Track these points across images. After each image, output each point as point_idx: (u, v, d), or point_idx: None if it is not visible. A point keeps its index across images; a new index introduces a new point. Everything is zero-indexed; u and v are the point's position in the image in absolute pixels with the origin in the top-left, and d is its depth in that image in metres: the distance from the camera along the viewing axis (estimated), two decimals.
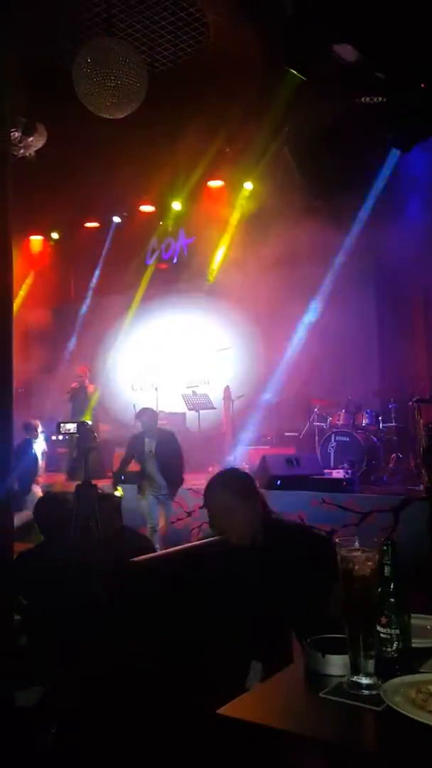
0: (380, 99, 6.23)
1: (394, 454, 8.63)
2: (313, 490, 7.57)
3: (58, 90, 6.72)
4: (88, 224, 11.95)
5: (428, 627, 2.00)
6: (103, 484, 9.07)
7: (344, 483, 7.54)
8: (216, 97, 7.68)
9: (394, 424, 8.84)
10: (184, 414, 10.34)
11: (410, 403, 8.41)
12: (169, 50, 7.67)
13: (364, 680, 1.62)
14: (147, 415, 7.81)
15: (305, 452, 9.12)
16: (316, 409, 9.46)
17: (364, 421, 8.97)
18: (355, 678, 1.63)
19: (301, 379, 9.61)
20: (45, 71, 7.20)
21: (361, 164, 8.44)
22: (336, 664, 1.71)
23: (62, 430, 4.16)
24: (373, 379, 9.52)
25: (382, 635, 1.72)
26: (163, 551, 3.97)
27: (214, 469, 10.01)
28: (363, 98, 6.32)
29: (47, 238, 12.53)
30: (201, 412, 10.18)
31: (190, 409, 10.25)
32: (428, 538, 6.45)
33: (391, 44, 5.67)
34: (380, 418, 8.93)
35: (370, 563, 1.66)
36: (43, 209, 10.54)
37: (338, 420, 9.00)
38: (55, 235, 12.43)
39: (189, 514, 7.97)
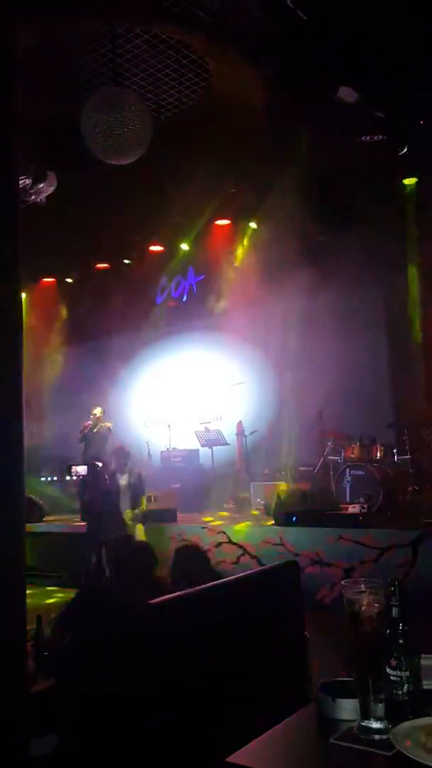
0: (381, 137, 6.37)
1: (410, 487, 8.53)
2: (329, 526, 7.49)
3: (67, 137, 6.93)
4: (99, 266, 12.16)
5: None
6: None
7: (360, 518, 7.46)
8: (221, 141, 7.86)
9: (408, 456, 8.75)
10: (197, 450, 10.33)
11: (425, 435, 8.36)
12: (174, 96, 7.88)
13: (374, 725, 1.59)
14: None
15: (320, 487, 9.06)
16: (330, 443, 9.42)
17: (379, 454, 8.90)
18: (365, 723, 1.61)
19: (314, 413, 9.58)
20: (54, 119, 7.43)
21: (366, 200, 8.56)
22: (346, 709, 1.68)
23: (72, 473, 4.18)
24: (387, 412, 9.47)
25: (392, 678, 1.69)
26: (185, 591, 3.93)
27: (229, 507, 9.99)
28: (364, 138, 6.45)
29: (59, 280, 12.76)
30: (214, 448, 10.17)
31: (203, 446, 10.24)
32: None
33: (391, 85, 5.83)
34: (395, 450, 8.86)
35: (377, 605, 1.65)
36: (54, 253, 10.76)
37: (352, 453, 8.95)
38: (68, 279, 12.67)
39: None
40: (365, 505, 8.02)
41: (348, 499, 8.36)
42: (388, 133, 6.21)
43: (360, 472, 8.51)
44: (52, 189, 8.00)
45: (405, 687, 1.69)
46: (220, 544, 7.91)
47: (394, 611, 1.72)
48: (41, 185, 7.73)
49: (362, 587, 1.68)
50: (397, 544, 6.87)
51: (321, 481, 9.30)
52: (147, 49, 7.06)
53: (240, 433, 10.27)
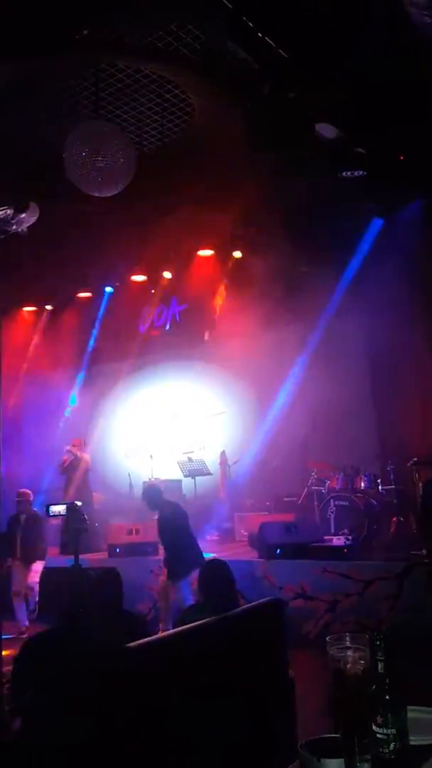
0: (361, 172, 6.45)
1: (394, 518, 8.50)
2: (313, 559, 7.42)
3: (49, 167, 6.94)
4: (81, 294, 12.14)
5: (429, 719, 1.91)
6: (99, 557, 8.91)
7: (345, 550, 7.40)
8: (203, 173, 7.92)
9: (393, 486, 8.74)
10: (180, 481, 10.23)
11: (408, 465, 8.35)
12: (157, 129, 7.95)
13: None
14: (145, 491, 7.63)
15: (304, 517, 8.99)
16: (313, 473, 9.38)
17: (363, 484, 8.88)
18: None
19: (297, 443, 9.57)
20: (36, 149, 7.46)
21: (347, 232, 8.67)
22: None
23: (52, 513, 4.10)
24: (370, 442, 9.47)
25: (378, 736, 1.63)
26: (161, 635, 3.84)
27: (212, 538, 9.86)
28: (344, 172, 6.53)
29: (40, 309, 12.70)
30: (197, 478, 10.08)
31: (186, 476, 10.14)
32: None
33: (370, 121, 5.92)
34: (379, 480, 8.84)
35: (362, 662, 1.59)
36: (36, 281, 10.74)
37: (336, 483, 8.91)
38: (48, 306, 12.61)
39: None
40: (350, 537, 7.96)
41: (333, 530, 8.31)
42: (369, 169, 6.30)
43: (344, 503, 8.47)
44: (33, 219, 7.99)
45: (392, 745, 1.63)
46: None
47: (380, 666, 1.66)
48: (23, 215, 7.72)
49: (347, 642, 1.62)
50: (382, 577, 6.81)
51: (305, 512, 9.24)
52: (130, 83, 7.13)
53: (223, 463, 10.20)
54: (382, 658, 1.67)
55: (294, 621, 6.76)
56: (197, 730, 3.32)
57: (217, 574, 4.24)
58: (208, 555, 7.52)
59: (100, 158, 6.16)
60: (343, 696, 1.60)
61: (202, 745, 3.26)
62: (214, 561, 4.50)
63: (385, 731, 1.63)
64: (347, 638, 1.64)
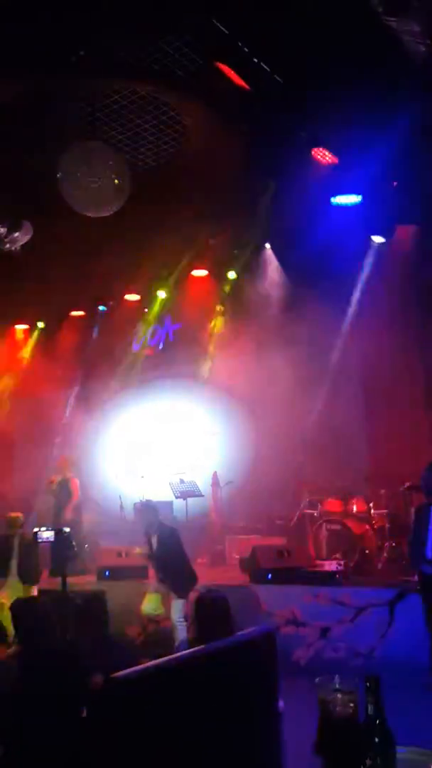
0: (356, 198, 6.48)
1: (387, 543, 8.40)
2: (305, 584, 7.31)
3: (43, 187, 6.94)
4: (74, 313, 12.09)
5: (423, 762, 1.83)
6: (87, 581, 8.76)
7: (337, 575, 7.30)
8: (197, 193, 7.95)
9: (385, 510, 8.65)
10: (171, 502, 10.10)
11: (401, 489, 8.28)
12: (151, 150, 7.98)
13: None
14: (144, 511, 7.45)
15: (296, 540, 8.88)
16: (306, 496, 9.28)
17: (355, 508, 8.79)
18: None
19: (290, 465, 9.48)
20: (30, 169, 7.46)
21: (342, 255, 8.69)
22: None
23: (40, 539, 4.00)
24: (363, 465, 9.41)
25: None
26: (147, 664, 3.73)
27: (203, 561, 9.73)
28: (339, 197, 6.55)
29: (33, 327, 12.65)
30: (189, 499, 9.96)
31: (177, 498, 10.02)
32: (426, 632, 6.19)
33: (365, 146, 5.95)
34: (371, 504, 8.76)
35: (351, 704, 1.52)
36: (29, 299, 10.71)
37: (329, 507, 8.82)
38: (40, 324, 12.55)
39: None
40: (341, 562, 7.87)
41: (325, 554, 8.20)
42: (362, 194, 6.32)
43: (337, 527, 8.37)
44: (27, 238, 7.98)
45: None
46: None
47: (370, 708, 1.59)
48: (16, 234, 7.70)
49: (336, 685, 1.55)
50: (374, 603, 6.70)
51: (297, 535, 9.13)
52: (125, 105, 7.16)
53: (215, 484, 10.09)
54: (372, 701, 1.60)
55: (284, 648, 6.63)
56: (183, 763, 3.20)
57: (214, 608, 4.12)
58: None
59: (94, 178, 6.17)
60: (331, 739, 1.53)
61: None
62: (212, 594, 4.37)
63: None
64: (336, 680, 1.57)
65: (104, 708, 3.35)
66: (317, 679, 1.59)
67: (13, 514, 8.40)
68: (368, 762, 1.57)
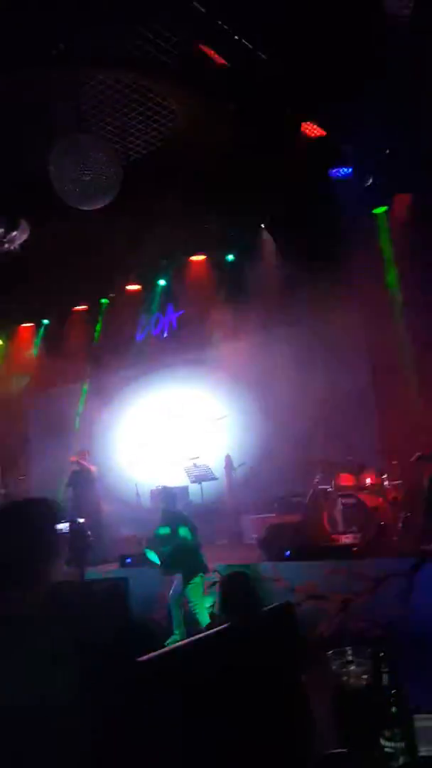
0: (348, 170, 6.43)
1: (402, 513, 8.44)
2: (323, 559, 7.38)
3: (38, 184, 6.93)
4: (77, 308, 12.13)
5: None
6: (109, 569, 8.88)
7: (354, 549, 7.36)
8: (190, 177, 7.91)
9: (399, 481, 8.69)
10: (186, 487, 10.19)
11: (413, 459, 8.31)
12: (142, 138, 7.95)
13: None
14: (162, 496, 7.59)
15: (312, 517, 8.94)
16: (319, 472, 9.33)
17: (369, 481, 8.83)
18: None
19: (301, 443, 9.52)
20: (24, 167, 7.45)
21: (339, 229, 8.64)
22: None
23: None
24: (374, 438, 9.44)
25: (386, 750, 1.60)
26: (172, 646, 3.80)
27: (221, 543, 9.83)
28: (332, 171, 6.51)
29: (38, 325, 12.71)
30: (203, 483, 10.05)
31: (192, 482, 10.11)
32: None
33: (355, 117, 5.90)
34: (384, 476, 8.79)
35: (365, 676, 1.57)
36: (32, 297, 10.74)
37: (342, 481, 8.86)
38: (45, 321, 12.61)
39: None
40: (358, 535, 7.93)
41: (341, 528, 8.26)
42: (355, 166, 6.27)
43: (351, 500, 8.41)
44: (25, 236, 7.98)
45: (401, 759, 1.61)
46: (215, 583, 7.75)
47: (385, 678, 1.64)
48: (14, 233, 7.71)
49: (348, 657, 1.60)
50: (393, 574, 6.76)
51: (312, 512, 9.18)
52: (111, 95, 7.12)
53: (228, 466, 10.16)
54: (386, 671, 1.65)
55: (307, 622, 6.72)
56: (209, 743, 3.29)
57: (236, 587, 4.22)
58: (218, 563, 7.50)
59: (85, 171, 6.15)
60: (346, 712, 1.58)
61: (213, 758, 3.23)
62: (234, 573, 4.48)
63: (393, 745, 1.60)
64: (349, 652, 1.62)
65: (133, 689, 3.43)
66: (330, 652, 1.63)
67: None
68: (386, 733, 1.62)
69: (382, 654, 1.65)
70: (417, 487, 8.38)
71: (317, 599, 7.20)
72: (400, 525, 8.34)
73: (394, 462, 8.76)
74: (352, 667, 1.59)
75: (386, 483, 8.73)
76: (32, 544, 2.27)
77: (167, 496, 7.61)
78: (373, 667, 1.60)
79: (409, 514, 8.34)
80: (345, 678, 1.57)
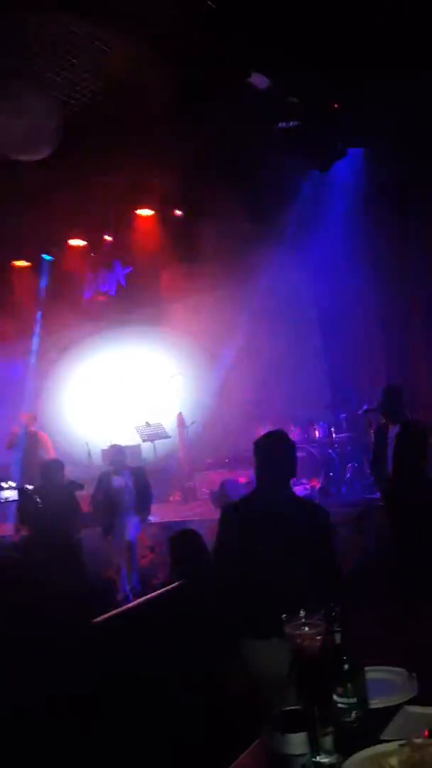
0: (295, 123, 6.32)
1: (349, 464, 8.69)
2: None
3: None
4: (17, 263, 11.73)
5: (388, 680, 1.97)
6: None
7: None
8: (137, 128, 7.65)
9: (346, 434, 8.92)
10: (139, 446, 10.19)
11: (360, 413, 8.51)
12: (85, 87, 7.58)
13: (325, 759, 1.56)
14: (113, 452, 7.69)
15: None
16: (269, 427, 9.45)
17: (317, 434, 9.03)
18: (315, 758, 1.57)
19: (252, 400, 9.61)
20: None
21: (286, 185, 8.56)
22: (296, 743, 1.63)
23: (2, 498, 4.02)
24: (323, 393, 9.61)
25: (339, 705, 1.67)
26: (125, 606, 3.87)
27: (174, 499, 9.93)
28: (280, 124, 6.39)
29: None
30: (156, 442, 10.07)
31: (144, 441, 10.11)
32: (391, 547, 6.49)
33: (301, 69, 5.77)
34: (332, 429, 9.00)
35: (319, 638, 1.61)
36: None
37: (293, 435, 9.02)
38: None
39: (152, 549, 7.81)
40: (308, 486, 8.13)
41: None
42: (303, 119, 6.18)
43: (301, 453, 8.59)
44: None
45: (353, 713, 1.67)
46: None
47: (337, 638, 1.69)
48: None
49: (302, 619, 1.64)
50: (342, 523, 6.97)
51: None
52: (55, 39, 6.75)
53: (180, 424, 10.19)
54: (338, 630, 1.70)
55: None
56: (161, 699, 3.38)
57: (187, 545, 4.28)
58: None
59: (22, 120, 5.87)
60: (301, 672, 1.62)
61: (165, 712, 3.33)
62: (184, 532, 4.55)
63: (346, 700, 1.67)
64: (302, 615, 1.66)
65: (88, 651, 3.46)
66: (284, 616, 1.67)
67: None
68: (339, 689, 1.68)
69: (334, 614, 1.70)
70: (363, 439, 8.62)
71: None
72: (348, 476, 8.61)
73: (342, 416, 8.96)
74: (306, 629, 1.63)
75: (334, 435, 8.95)
76: None
77: (116, 454, 7.62)
78: (326, 628, 1.65)
79: (356, 465, 8.60)
80: (299, 641, 1.61)
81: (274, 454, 3.31)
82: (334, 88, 5.97)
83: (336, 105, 6.08)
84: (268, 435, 3.52)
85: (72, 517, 6.25)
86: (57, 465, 6.47)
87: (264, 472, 3.30)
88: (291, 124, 6.28)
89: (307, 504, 3.64)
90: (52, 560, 4.12)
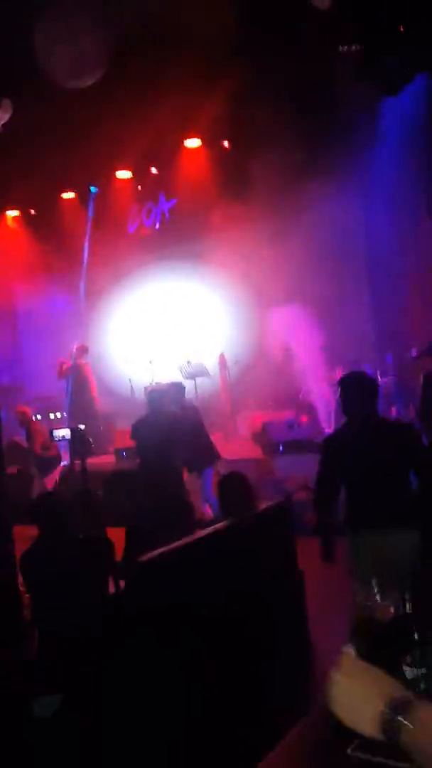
0: (359, 47, 5.91)
1: (393, 407, 8.57)
2: (315, 453, 7.50)
3: (22, 62, 6.36)
4: (65, 195, 11.56)
5: None
6: (106, 461, 9.06)
7: None
8: (186, 56, 7.30)
9: (392, 377, 8.77)
10: (181, 384, 10.17)
11: (411, 357, 8.33)
12: (134, 11, 7.19)
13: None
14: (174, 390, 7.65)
15: (305, 412, 9.04)
16: (314, 369, 9.33)
17: None
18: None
19: (297, 340, 9.44)
20: (8, 44, 6.80)
21: (345, 115, 8.10)
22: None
23: (56, 437, 4.06)
24: (369, 334, 9.40)
25: (408, 676, 1.63)
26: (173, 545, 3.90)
27: (215, 438, 9.96)
28: (341, 47, 5.97)
29: (24, 212, 12.15)
30: (198, 380, 10.04)
31: (186, 378, 10.08)
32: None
33: None
34: (378, 372, 8.83)
35: (390, 609, 1.56)
36: (16, 183, 10.20)
37: (337, 377, 8.89)
38: (32, 211, 12.06)
39: None
40: None
41: (334, 424, 8.37)
42: (366, 43, 5.75)
43: None
44: (7, 117, 7.44)
45: (422, 685, 1.64)
46: None
47: (408, 606, 1.64)
48: None
49: (374, 588, 1.59)
50: None
51: (307, 408, 9.28)
52: None
53: (223, 364, 10.13)
54: (409, 598, 1.65)
55: (297, 512, 6.94)
56: (211, 634, 3.45)
57: (235, 488, 4.38)
58: None
59: (71, 45, 5.65)
60: (370, 642, 1.58)
61: (214, 649, 3.40)
62: (232, 475, 4.63)
63: (414, 671, 1.63)
64: (374, 584, 1.60)
65: (138, 586, 3.53)
66: (355, 583, 1.62)
67: (21, 409, 8.56)
68: (408, 658, 1.64)
69: (407, 583, 1.65)
70: (410, 383, 8.45)
71: (307, 490, 7.42)
72: (394, 416, 8.48)
73: (389, 358, 8.78)
74: (377, 601, 1.58)
75: (380, 378, 8.78)
76: None
77: (178, 392, 7.59)
78: (398, 597, 1.60)
79: (402, 409, 8.47)
80: (369, 612, 1.57)
81: (363, 386, 3.77)
82: (400, 9, 5.53)
83: (402, 28, 5.64)
84: (352, 374, 4.26)
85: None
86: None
87: (355, 405, 3.70)
88: (354, 47, 5.87)
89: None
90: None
